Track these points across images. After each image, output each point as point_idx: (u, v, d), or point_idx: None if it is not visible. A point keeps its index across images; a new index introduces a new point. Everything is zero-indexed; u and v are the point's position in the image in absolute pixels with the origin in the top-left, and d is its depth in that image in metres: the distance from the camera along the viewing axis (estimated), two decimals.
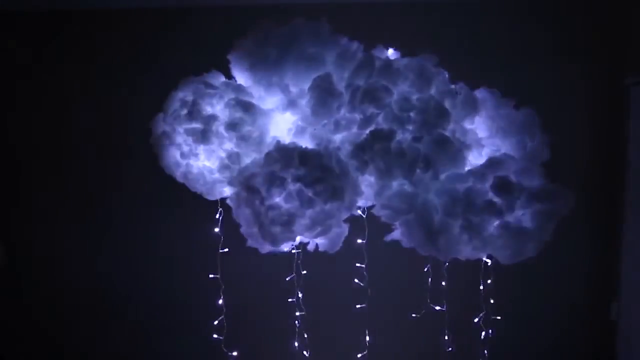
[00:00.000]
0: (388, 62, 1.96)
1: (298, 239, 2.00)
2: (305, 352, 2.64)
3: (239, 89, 2.06)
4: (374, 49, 2.07)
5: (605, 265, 3.06)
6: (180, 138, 2.01)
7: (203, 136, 1.96)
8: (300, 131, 2.01)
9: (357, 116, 1.91)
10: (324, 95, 1.89)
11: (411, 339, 3.08)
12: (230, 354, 2.74)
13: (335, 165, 1.88)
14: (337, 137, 1.97)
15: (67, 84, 3.07)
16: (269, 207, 1.84)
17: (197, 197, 2.12)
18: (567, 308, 3.13)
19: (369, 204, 2.10)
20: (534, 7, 2.96)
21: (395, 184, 1.97)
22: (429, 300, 2.57)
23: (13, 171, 3.15)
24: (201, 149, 2.00)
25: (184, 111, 1.98)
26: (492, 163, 1.91)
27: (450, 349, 2.69)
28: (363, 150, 1.89)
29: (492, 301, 2.59)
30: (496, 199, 1.84)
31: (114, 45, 3.04)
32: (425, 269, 2.46)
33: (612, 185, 3.00)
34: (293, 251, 2.24)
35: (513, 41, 2.96)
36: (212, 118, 1.97)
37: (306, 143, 1.98)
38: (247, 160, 2.02)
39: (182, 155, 2.02)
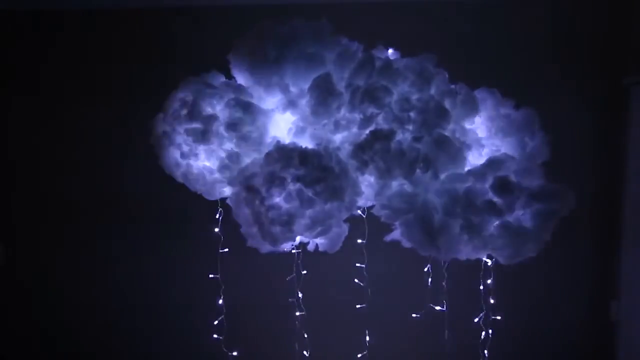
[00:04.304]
0: (388, 62, 1.96)
1: (298, 239, 2.00)
2: (305, 352, 2.64)
3: (239, 89, 2.06)
4: (374, 49, 2.07)
5: (605, 265, 3.06)
6: (180, 138, 2.01)
7: (203, 136, 1.96)
8: (300, 131, 2.01)
9: (357, 116, 1.91)
10: (324, 95, 1.89)
11: (411, 339, 3.08)
12: (230, 354, 2.74)
13: (335, 165, 1.88)
14: (337, 137, 1.97)
15: (67, 84, 3.07)
16: (269, 207, 1.84)
17: (197, 197, 2.12)
18: (567, 308, 3.13)
19: (369, 204, 2.10)
20: (534, 7, 2.96)
21: (395, 184, 1.97)
22: (429, 300, 2.57)
23: (13, 171, 3.15)
24: (201, 149, 2.00)
25: (184, 111, 1.98)
26: (492, 163, 1.91)
27: (450, 349, 2.69)
28: (363, 150, 1.89)
29: (492, 301, 2.59)
30: (496, 199, 1.84)
31: (114, 45, 3.04)
32: (425, 269, 2.46)
33: (612, 185, 3.00)
34: (293, 251, 2.23)
35: (513, 41, 2.96)
36: (212, 118, 1.97)
37: (306, 143, 1.97)
38: (247, 160, 2.02)
39: (182, 155, 2.02)
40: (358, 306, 2.69)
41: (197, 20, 3.00)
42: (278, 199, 1.84)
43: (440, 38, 2.85)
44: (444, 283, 2.47)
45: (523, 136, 2.06)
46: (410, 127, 1.90)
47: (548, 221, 1.87)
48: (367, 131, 1.91)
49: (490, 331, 2.61)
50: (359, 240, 2.37)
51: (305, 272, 2.48)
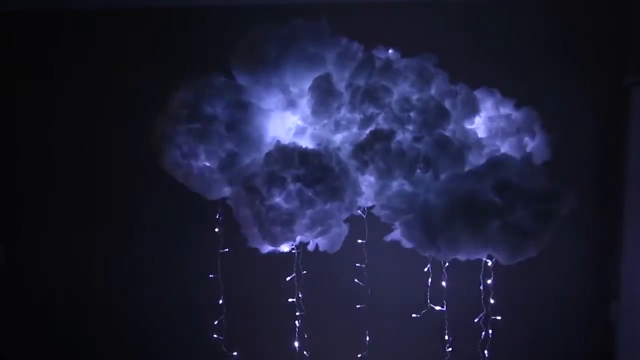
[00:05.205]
0: (388, 62, 1.96)
1: (298, 239, 2.00)
2: (305, 352, 2.64)
3: (239, 89, 2.06)
4: (374, 49, 2.07)
5: (605, 265, 3.06)
6: (180, 138, 2.01)
7: (203, 136, 1.96)
8: (300, 131, 2.02)
9: (357, 116, 1.91)
10: (324, 95, 1.89)
11: (411, 339, 3.07)
12: (230, 354, 2.74)
13: (335, 165, 1.88)
14: (337, 137, 1.97)
15: (67, 84, 3.07)
16: (269, 207, 1.84)
17: (197, 197, 2.12)
18: (567, 308, 3.13)
19: (369, 204, 2.10)
20: (534, 7, 2.96)
21: (395, 184, 1.97)
22: (429, 300, 2.57)
23: (13, 171, 3.15)
24: (201, 149, 2.00)
25: (184, 111, 1.98)
26: (492, 163, 1.91)
27: (450, 349, 2.69)
28: (363, 150, 1.89)
29: (492, 301, 2.59)
30: (496, 199, 1.84)
31: (114, 45, 3.04)
32: (425, 269, 2.46)
33: (612, 185, 3.00)
34: (293, 251, 2.23)
35: (513, 41, 2.96)
36: (212, 118, 1.97)
37: (306, 143, 1.97)
38: (247, 160, 2.02)
39: (183, 155, 2.02)
40: (358, 306, 2.69)
41: (197, 20, 3.00)
42: (278, 199, 1.84)
43: (440, 38, 2.85)
44: (444, 283, 2.47)
45: (523, 136, 2.06)
46: (411, 127, 1.90)
47: (548, 221, 1.87)
48: (367, 131, 1.91)
49: (490, 331, 2.61)
50: (359, 240, 2.37)
51: (305, 272, 2.48)
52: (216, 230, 2.43)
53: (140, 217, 3.11)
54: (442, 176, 1.93)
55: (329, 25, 2.04)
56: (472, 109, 2.01)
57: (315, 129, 1.98)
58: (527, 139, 2.07)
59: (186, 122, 1.97)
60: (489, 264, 2.35)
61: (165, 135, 2.03)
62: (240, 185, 1.93)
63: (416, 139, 1.90)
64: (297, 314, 2.59)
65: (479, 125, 2.09)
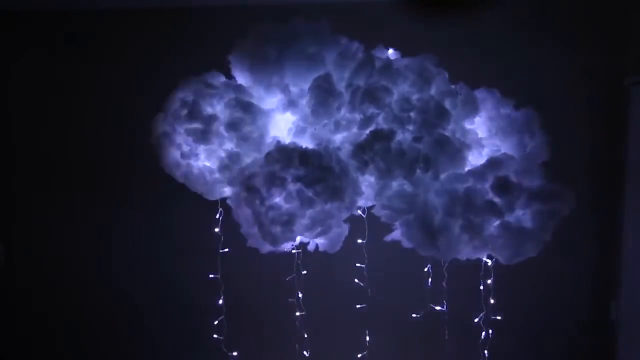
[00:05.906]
0: (388, 62, 1.96)
1: (298, 239, 2.00)
2: (305, 352, 2.64)
3: (239, 89, 2.06)
4: (374, 49, 2.07)
5: (605, 265, 3.06)
6: (180, 138, 2.01)
7: (203, 136, 1.96)
8: (300, 131, 2.01)
9: (357, 116, 1.91)
10: (324, 95, 1.89)
11: (411, 339, 3.08)
12: (230, 354, 2.74)
13: (335, 165, 1.88)
14: (337, 137, 1.97)
15: (67, 84, 3.07)
16: (269, 207, 1.84)
17: (197, 197, 2.12)
18: (567, 308, 3.13)
19: (369, 204, 2.10)
20: (534, 7, 2.96)
21: (395, 184, 1.97)
22: (429, 300, 2.57)
23: (13, 171, 3.15)
24: (201, 149, 2.00)
25: (184, 111, 1.98)
26: (492, 163, 1.91)
27: (450, 349, 2.69)
28: (363, 150, 1.89)
29: (492, 301, 2.59)
30: (496, 199, 1.84)
31: (115, 45, 3.04)
32: (425, 269, 2.46)
33: (612, 185, 3.00)
34: (293, 251, 2.23)
35: (513, 41, 2.96)
36: (212, 118, 1.97)
37: (306, 143, 1.97)
38: (247, 160, 2.02)
39: (182, 155, 2.02)
40: (358, 306, 2.69)
41: (197, 20, 3.00)
42: (278, 199, 1.84)
43: (440, 38, 2.85)
44: (444, 283, 2.47)
45: (523, 136, 2.06)
46: (411, 127, 1.90)
47: (548, 221, 1.87)
48: (367, 131, 1.91)
49: (490, 331, 2.61)
50: (359, 240, 2.37)
51: (305, 272, 2.48)
52: (216, 230, 2.43)
53: (140, 217, 3.11)
54: (442, 176, 1.93)
55: (329, 25, 2.04)
56: (472, 109, 2.01)
57: (315, 129, 1.98)
58: (527, 139, 2.07)
59: (186, 122, 1.97)
60: (489, 264, 2.35)
61: (165, 135, 2.04)
62: (240, 185, 1.93)
63: (416, 139, 1.90)
64: (297, 314, 2.59)
65: (479, 125, 2.09)
